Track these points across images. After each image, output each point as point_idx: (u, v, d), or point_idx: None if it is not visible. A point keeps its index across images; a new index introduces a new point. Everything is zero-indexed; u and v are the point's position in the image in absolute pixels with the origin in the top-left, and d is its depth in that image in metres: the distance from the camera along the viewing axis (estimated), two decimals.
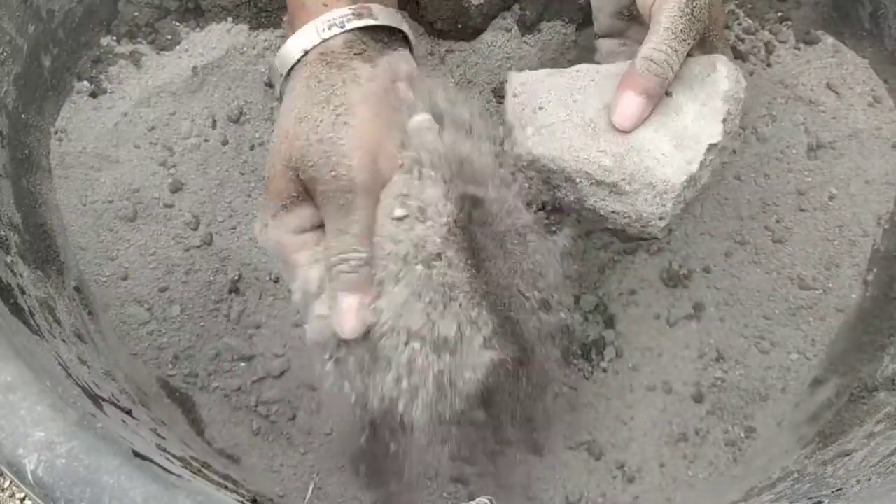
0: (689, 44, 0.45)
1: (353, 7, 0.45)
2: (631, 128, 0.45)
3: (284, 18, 0.57)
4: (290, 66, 0.45)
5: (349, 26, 0.44)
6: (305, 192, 0.44)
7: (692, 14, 0.44)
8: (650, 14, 0.46)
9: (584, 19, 0.64)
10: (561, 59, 0.64)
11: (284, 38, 0.46)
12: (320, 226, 0.45)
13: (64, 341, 0.50)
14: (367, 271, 0.43)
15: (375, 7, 0.45)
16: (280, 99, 0.47)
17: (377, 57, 0.45)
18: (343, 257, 0.43)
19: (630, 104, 0.44)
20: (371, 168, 0.43)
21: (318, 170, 0.42)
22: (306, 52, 0.45)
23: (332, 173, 0.42)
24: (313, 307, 0.45)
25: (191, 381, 0.57)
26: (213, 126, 0.62)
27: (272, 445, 0.57)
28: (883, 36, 0.62)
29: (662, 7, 0.45)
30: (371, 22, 0.45)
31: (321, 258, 0.45)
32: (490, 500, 0.54)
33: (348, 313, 0.43)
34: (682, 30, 0.44)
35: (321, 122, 0.43)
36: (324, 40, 0.44)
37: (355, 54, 0.44)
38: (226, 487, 0.48)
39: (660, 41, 0.44)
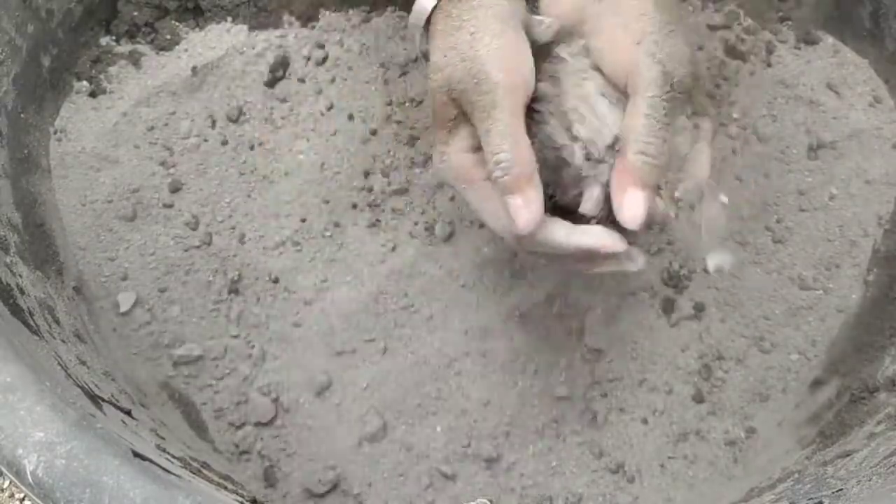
0: (674, 118, 0.44)
1: None
2: (642, 224, 0.44)
3: None
4: (426, 19, 0.48)
5: None
6: (462, 114, 0.47)
7: (673, 90, 0.43)
8: (626, 80, 0.45)
9: None
10: None
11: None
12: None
13: (63, 341, 0.50)
14: (518, 171, 0.44)
15: None
16: (423, 54, 0.50)
17: None
18: (495, 159, 0.44)
19: (636, 202, 0.44)
20: (509, 70, 0.45)
21: (465, 83, 0.45)
22: (437, 4, 0.47)
23: (475, 80, 0.45)
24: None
25: (190, 381, 0.57)
26: (213, 126, 0.62)
27: (272, 446, 0.57)
28: (883, 36, 0.62)
29: (639, 83, 0.44)
30: None
31: None
32: (490, 501, 0.54)
33: (516, 211, 0.45)
34: (665, 113, 0.43)
35: (459, 44, 0.46)
36: None
37: None
38: (225, 488, 0.48)
39: (647, 133, 0.43)
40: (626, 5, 0.45)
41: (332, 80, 0.64)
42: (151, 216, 0.59)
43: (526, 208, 0.44)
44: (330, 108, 0.63)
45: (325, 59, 0.64)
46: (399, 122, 0.63)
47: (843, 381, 0.56)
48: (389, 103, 0.63)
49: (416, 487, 0.56)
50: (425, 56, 0.50)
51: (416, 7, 0.48)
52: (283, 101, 0.63)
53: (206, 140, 0.61)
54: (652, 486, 0.57)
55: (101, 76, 0.60)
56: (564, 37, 0.48)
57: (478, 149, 0.47)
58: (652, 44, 0.43)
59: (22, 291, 0.49)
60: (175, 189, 0.60)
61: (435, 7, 0.48)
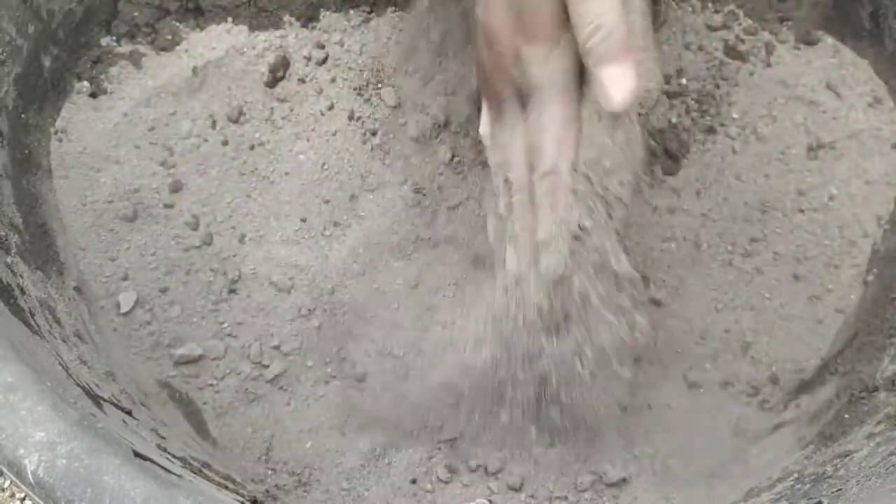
0: None
1: None
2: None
3: None
4: None
5: None
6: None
7: None
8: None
9: None
10: None
11: None
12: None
13: (64, 341, 0.50)
14: (619, 37, 0.42)
15: None
16: None
17: None
18: (593, 27, 0.41)
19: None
20: None
21: None
22: None
23: None
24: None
25: (191, 381, 0.57)
26: (213, 126, 0.62)
27: (273, 445, 0.57)
28: (883, 36, 0.62)
29: None
30: None
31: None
32: (489, 501, 0.54)
33: (613, 81, 0.42)
34: None
35: None
36: None
37: None
38: (226, 487, 0.48)
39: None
40: None
41: (332, 80, 0.64)
42: (152, 216, 0.59)
43: (623, 79, 0.42)
44: (330, 108, 0.63)
45: (325, 60, 0.64)
46: (399, 123, 0.63)
47: (842, 380, 0.56)
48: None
49: (416, 488, 0.56)
50: None
51: None
52: (283, 101, 0.63)
53: (206, 140, 0.61)
54: (651, 486, 0.57)
55: (102, 76, 0.61)
56: None
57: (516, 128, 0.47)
58: None
59: (23, 291, 0.49)
60: (175, 189, 0.60)
61: None
